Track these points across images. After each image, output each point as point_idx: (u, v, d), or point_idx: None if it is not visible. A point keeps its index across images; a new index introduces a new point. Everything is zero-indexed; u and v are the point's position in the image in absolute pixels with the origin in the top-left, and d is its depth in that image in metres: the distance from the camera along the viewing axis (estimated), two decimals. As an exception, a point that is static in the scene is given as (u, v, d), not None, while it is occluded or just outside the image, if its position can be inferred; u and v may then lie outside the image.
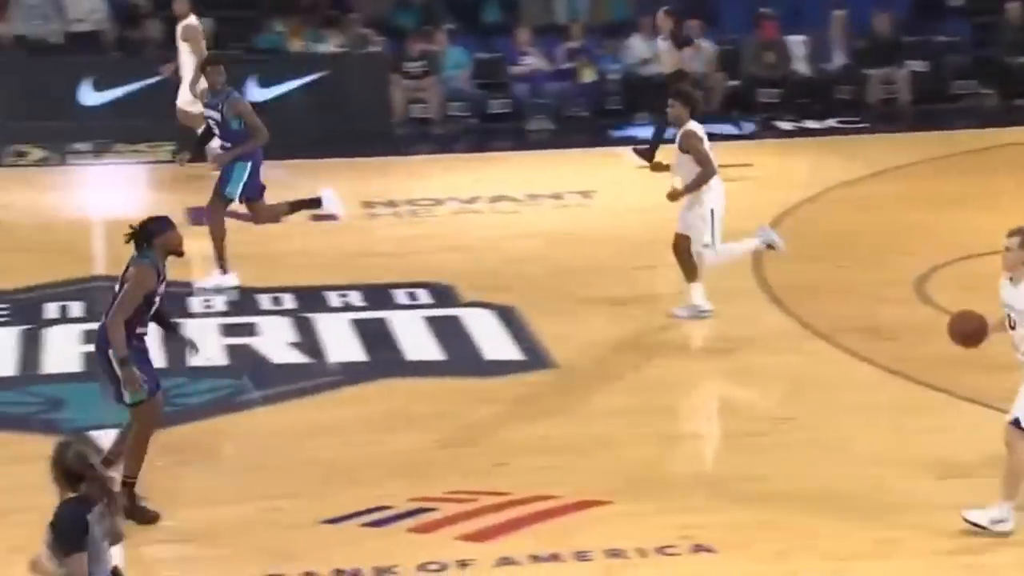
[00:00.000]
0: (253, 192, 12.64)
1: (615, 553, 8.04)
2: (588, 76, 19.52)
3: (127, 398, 8.38)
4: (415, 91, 19.19)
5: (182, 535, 8.37)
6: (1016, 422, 7.87)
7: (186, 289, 12.46)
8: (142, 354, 8.45)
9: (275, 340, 11.36)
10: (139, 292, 8.35)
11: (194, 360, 9.41)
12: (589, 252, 13.34)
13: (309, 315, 11.85)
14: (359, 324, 11.69)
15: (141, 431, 8.45)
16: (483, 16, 20.80)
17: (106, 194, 15.89)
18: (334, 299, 12.27)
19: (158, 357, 10.97)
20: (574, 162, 17.00)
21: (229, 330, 11.60)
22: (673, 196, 11.41)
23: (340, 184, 16.19)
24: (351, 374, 10.78)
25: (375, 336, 11.44)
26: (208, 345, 11.25)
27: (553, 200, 15.47)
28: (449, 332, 11.55)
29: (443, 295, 12.33)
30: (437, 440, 9.65)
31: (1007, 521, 7.96)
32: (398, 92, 19.00)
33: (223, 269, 12.48)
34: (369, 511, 8.49)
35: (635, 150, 16.64)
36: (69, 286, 12.82)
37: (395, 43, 19.62)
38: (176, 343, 8.99)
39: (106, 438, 9.48)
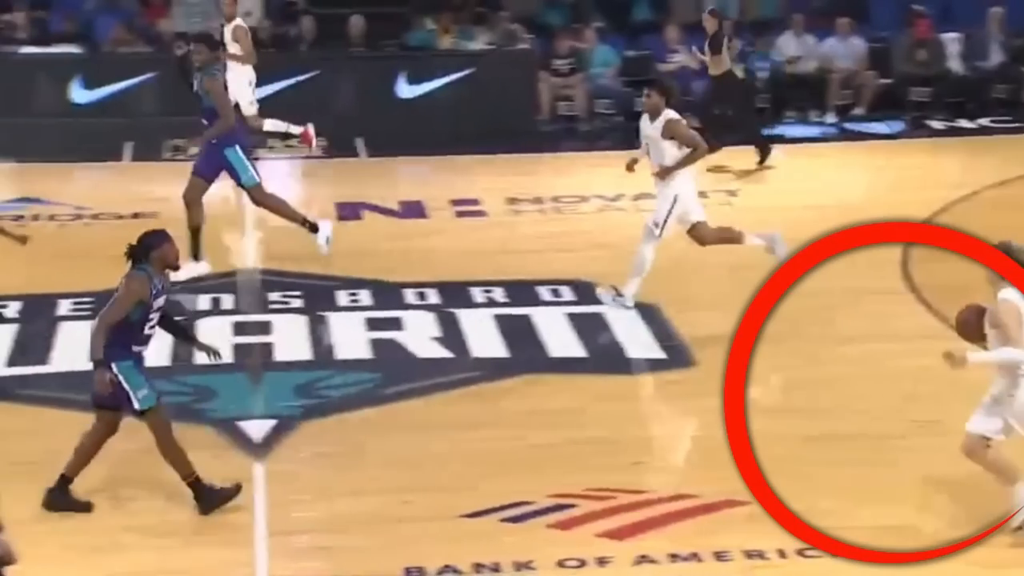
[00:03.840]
0: (209, 170, 12.77)
1: (755, 554, 8.03)
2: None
3: (136, 405, 8.37)
4: (562, 88, 19.25)
5: (323, 526, 8.52)
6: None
7: (335, 283, 12.69)
8: (140, 364, 8.42)
9: (419, 335, 11.49)
10: (128, 300, 8.31)
11: (212, 360, 9.04)
12: (732, 250, 13.25)
13: (453, 310, 11.97)
14: (502, 320, 11.79)
15: (161, 436, 8.44)
16: (633, 14, 20.80)
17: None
18: (478, 295, 12.37)
19: (308, 351, 11.26)
20: (720, 160, 16.89)
21: (374, 324, 11.76)
22: (661, 174, 11.66)
23: (486, 180, 16.43)
24: (493, 370, 10.87)
25: (518, 332, 11.53)
26: (353, 338, 11.48)
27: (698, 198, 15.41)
28: (591, 329, 11.60)
29: (586, 292, 12.37)
30: (577, 437, 9.69)
31: None
32: (545, 89, 19.08)
33: (313, 227, 12.86)
34: (508, 506, 8.56)
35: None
36: (221, 279, 13.12)
37: (544, 40, 19.70)
38: (198, 348, 8.97)
39: (254, 428, 9.78)
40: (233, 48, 16.57)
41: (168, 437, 8.46)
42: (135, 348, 8.40)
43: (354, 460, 9.41)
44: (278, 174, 17.01)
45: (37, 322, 11.68)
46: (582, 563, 7.99)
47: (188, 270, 12.10)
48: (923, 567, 7.84)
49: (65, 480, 8.51)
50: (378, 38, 19.36)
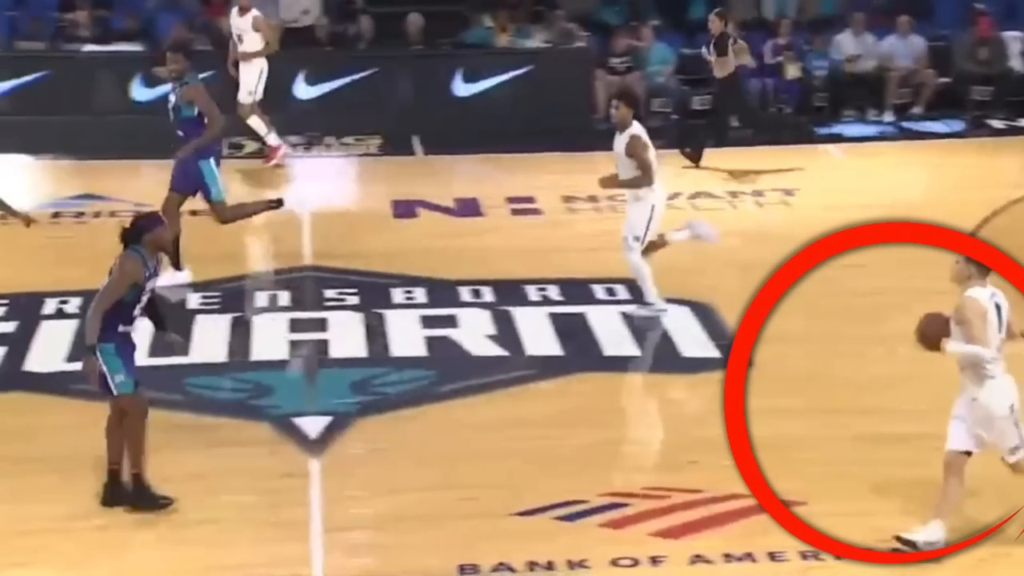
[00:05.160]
0: (185, 185, 12.61)
1: (809, 555, 8.01)
2: (792, 72, 19.34)
3: (113, 390, 8.36)
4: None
5: (377, 522, 8.55)
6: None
7: (390, 280, 12.75)
8: (126, 349, 8.40)
9: (474, 332, 11.52)
10: (123, 282, 8.30)
11: (180, 353, 9.12)
12: (788, 251, 13.23)
13: (508, 308, 12.00)
14: (557, 318, 11.80)
15: (133, 424, 8.42)
16: (690, 12, 20.75)
17: (315, 186, 16.28)
18: (532, 293, 12.39)
19: (363, 347, 11.32)
20: (777, 159, 16.85)
21: (429, 322, 11.80)
22: (604, 183, 11.76)
23: (541, 178, 16.42)
24: (548, 368, 10.88)
25: (572, 330, 11.54)
26: (409, 336, 11.52)
27: (754, 197, 15.38)
28: (645, 328, 11.59)
29: (641, 291, 12.34)
30: (631, 435, 9.70)
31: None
32: (602, 88, 19.05)
33: (279, 203, 13.15)
34: (561, 505, 8.58)
35: (684, 152, 16.64)
36: (278, 276, 13.20)
37: (600, 39, 19.70)
38: (166, 339, 8.99)
39: (312, 425, 9.84)
40: (250, 38, 16.62)
41: (139, 426, 8.43)
42: (122, 328, 8.39)
43: (409, 457, 9.45)
44: (335, 171, 17.13)
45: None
46: (635, 562, 7.99)
47: (170, 278, 11.98)
48: (978, 570, 7.81)
49: (113, 475, 8.58)
50: (435, 36, 19.42)
